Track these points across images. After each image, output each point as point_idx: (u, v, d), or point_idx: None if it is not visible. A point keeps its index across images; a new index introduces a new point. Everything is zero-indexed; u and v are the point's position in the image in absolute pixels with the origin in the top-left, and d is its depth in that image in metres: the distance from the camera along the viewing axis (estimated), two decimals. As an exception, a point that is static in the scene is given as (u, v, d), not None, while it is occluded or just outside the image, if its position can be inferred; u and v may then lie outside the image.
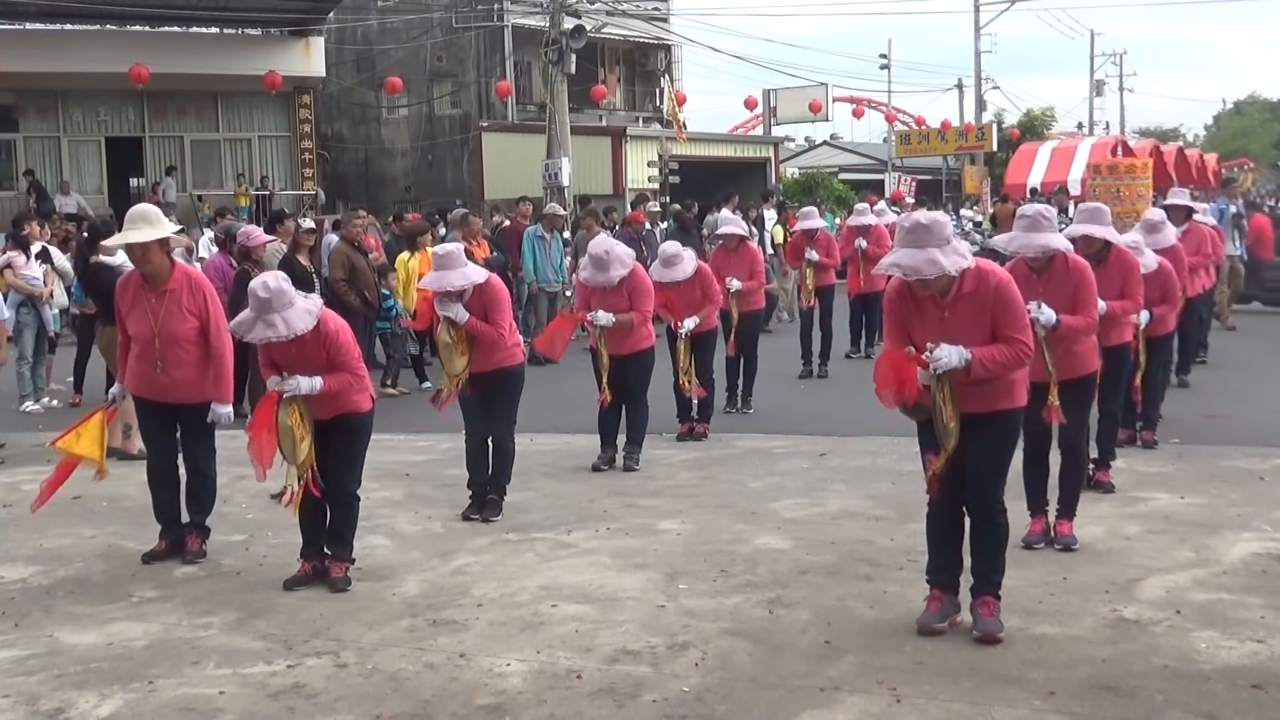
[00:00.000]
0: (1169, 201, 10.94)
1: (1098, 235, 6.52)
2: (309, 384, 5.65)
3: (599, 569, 6.04)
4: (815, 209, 14.38)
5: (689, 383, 9.29)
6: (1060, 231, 6.07)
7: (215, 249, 11.13)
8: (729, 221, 10.90)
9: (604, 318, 8.20)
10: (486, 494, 7.12)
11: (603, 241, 8.60)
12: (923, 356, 4.68)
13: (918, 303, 4.85)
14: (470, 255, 12.83)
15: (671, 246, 9.31)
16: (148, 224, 6.18)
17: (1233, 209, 15.85)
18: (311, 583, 5.76)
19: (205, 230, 18.13)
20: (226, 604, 5.63)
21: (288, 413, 5.69)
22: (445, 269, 6.90)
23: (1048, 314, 5.74)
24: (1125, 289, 6.59)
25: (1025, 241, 5.77)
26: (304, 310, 5.64)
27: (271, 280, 5.59)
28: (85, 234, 10.01)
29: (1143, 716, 4.20)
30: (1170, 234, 8.68)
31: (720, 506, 7.26)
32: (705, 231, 17.98)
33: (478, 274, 6.99)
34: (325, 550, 5.92)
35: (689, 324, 9.20)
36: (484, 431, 7.17)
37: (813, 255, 12.52)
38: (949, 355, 4.63)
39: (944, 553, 5.03)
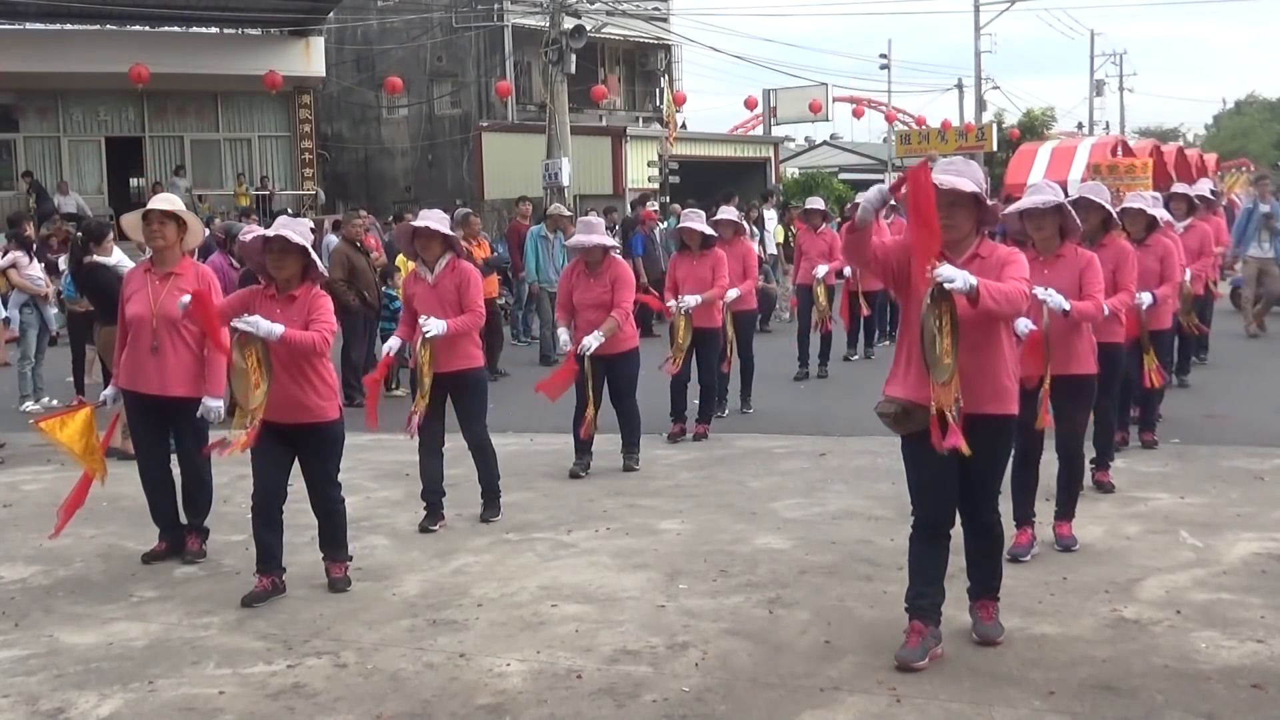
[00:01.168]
0: (1172, 190, 10.69)
1: (1098, 202, 6.52)
2: (268, 327, 5.39)
3: (599, 569, 6.04)
4: (820, 199, 14.27)
5: (677, 362, 9.17)
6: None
7: (215, 249, 11.13)
8: (724, 212, 10.70)
9: (592, 341, 8.03)
10: (440, 505, 7.00)
11: (595, 216, 8.73)
12: (926, 273, 4.42)
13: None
14: (470, 255, 12.88)
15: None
16: (169, 203, 6.53)
17: (1264, 208, 14.38)
18: (270, 598, 5.63)
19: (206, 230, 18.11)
20: (226, 604, 5.63)
21: (243, 354, 5.46)
22: (428, 218, 6.99)
23: (1056, 299, 5.65)
24: (1118, 276, 6.50)
25: (1031, 199, 5.76)
26: (309, 245, 5.64)
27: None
28: (80, 233, 10.04)
29: (1143, 716, 4.20)
30: (1165, 213, 8.71)
31: (720, 506, 7.26)
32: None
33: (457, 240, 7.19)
34: (321, 554, 5.92)
35: (690, 300, 9.16)
36: (439, 439, 7.04)
37: (821, 270, 12.31)
38: (955, 273, 4.35)
39: (928, 577, 4.72)
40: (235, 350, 5.49)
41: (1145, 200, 7.78)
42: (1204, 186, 11.80)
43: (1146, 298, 7.32)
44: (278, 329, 5.42)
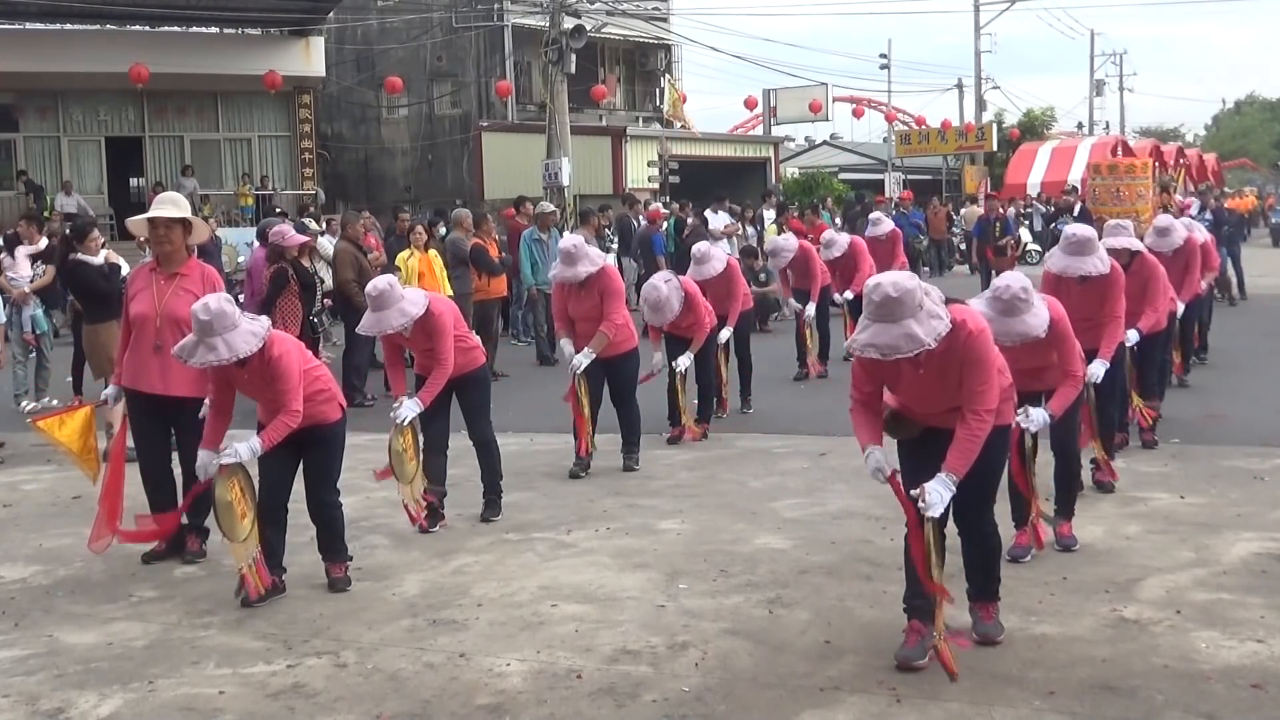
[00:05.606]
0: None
1: (1086, 273, 6.48)
2: (248, 449, 5.45)
3: (599, 569, 6.04)
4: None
5: (692, 423, 9.29)
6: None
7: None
8: (708, 258, 9.87)
9: (583, 360, 8.04)
10: (440, 506, 6.96)
11: (572, 238, 8.57)
12: (914, 506, 4.49)
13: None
14: (485, 252, 12.86)
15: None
16: (174, 206, 6.50)
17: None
18: (270, 598, 5.61)
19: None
20: (226, 604, 5.63)
21: (226, 487, 5.45)
22: (381, 309, 6.51)
23: (1037, 419, 5.58)
24: (1105, 301, 6.58)
25: (1003, 328, 5.22)
26: (248, 332, 5.38)
27: (213, 301, 5.37)
28: (68, 231, 10.08)
29: (1143, 716, 4.20)
30: (1178, 238, 8.69)
31: (720, 506, 7.26)
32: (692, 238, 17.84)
33: (415, 307, 6.57)
34: (320, 558, 5.93)
35: (685, 362, 9.15)
36: (441, 439, 7.03)
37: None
38: (938, 495, 4.42)
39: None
40: (218, 485, 5.47)
41: (1126, 232, 7.60)
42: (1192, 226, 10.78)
43: (1133, 335, 7.32)
44: (256, 444, 5.49)
